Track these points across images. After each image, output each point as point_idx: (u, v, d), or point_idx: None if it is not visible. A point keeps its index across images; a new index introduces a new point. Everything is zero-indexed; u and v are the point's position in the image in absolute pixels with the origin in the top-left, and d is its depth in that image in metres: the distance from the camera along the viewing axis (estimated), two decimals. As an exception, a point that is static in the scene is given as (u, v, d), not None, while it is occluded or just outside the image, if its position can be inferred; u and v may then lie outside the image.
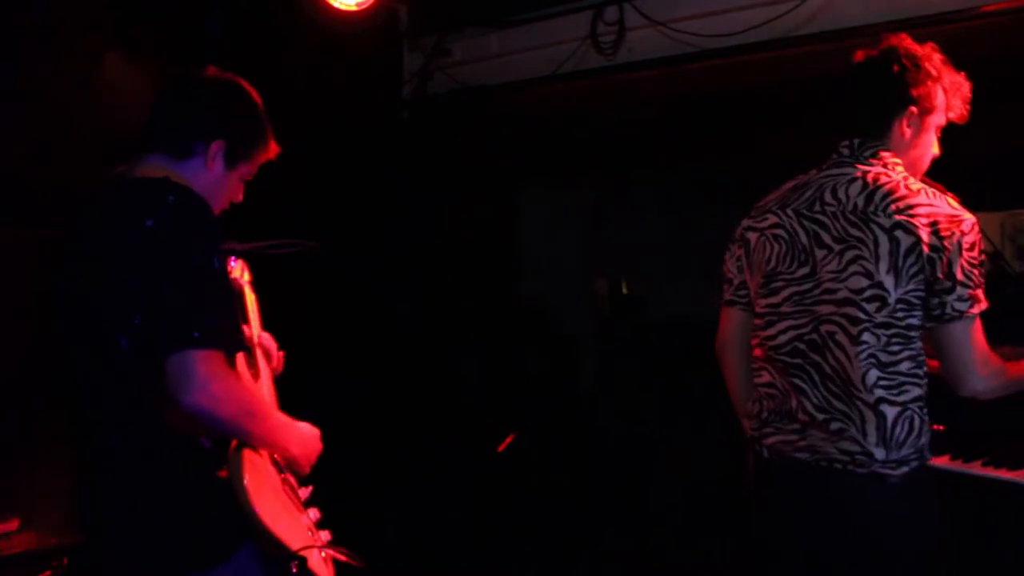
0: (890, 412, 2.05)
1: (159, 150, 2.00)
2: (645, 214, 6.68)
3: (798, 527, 2.21)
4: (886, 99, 2.20)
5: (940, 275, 2.01)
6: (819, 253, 2.14)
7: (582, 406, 6.06)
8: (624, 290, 6.73)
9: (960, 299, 2.02)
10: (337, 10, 3.76)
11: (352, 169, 4.39)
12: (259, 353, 2.29)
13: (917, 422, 2.08)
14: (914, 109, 2.19)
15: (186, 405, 1.72)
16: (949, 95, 2.23)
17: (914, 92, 2.17)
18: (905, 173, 2.16)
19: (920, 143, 2.23)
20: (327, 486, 2.18)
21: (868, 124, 2.22)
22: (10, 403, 3.09)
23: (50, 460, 2.94)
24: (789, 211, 2.22)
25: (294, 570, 1.86)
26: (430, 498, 4.58)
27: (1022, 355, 2.36)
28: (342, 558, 2.00)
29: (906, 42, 2.21)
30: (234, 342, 1.88)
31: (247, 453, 1.87)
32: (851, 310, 2.08)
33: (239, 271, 2.40)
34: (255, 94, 2.11)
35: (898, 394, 2.07)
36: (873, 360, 2.06)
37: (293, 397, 2.32)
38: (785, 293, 2.20)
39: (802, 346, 2.16)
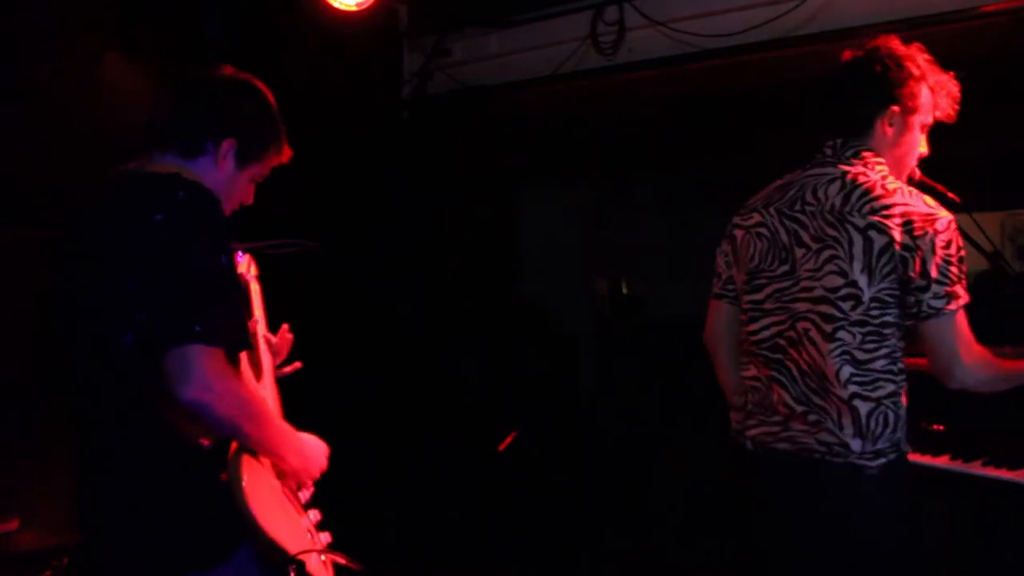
0: (864, 407, 2.09)
1: (170, 147, 1.99)
2: (645, 214, 6.69)
3: (781, 517, 2.25)
4: (867, 99, 2.23)
5: (914, 274, 2.04)
6: (798, 252, 2.19)
7: (582, 406, 6.06)
8: (624, 290, 6.73)
9: (936, 296, 2.04)
10: (337, 10, 3.76)
11: (352, 169, 4.39)
12: (263, 350, 2.28)
13: (892, 417, 2.12)
14: (896, 108, 2.21)
15: (183, 399, 1.72)
16: (935, 94, 2.25)
17: (896, 92, 2.20)
18: (885, 172, 2.19)
19: (903, 142, 2.25)
20: (327, 486, 2.18)
21: (851, 124, 2.25)
22: (10, 403, 3.09)
23: (50, 460, 2.94)
24: (772, 210, 2.27)
25: (292, 574, 1.86)
26: (430, 498, 4.58)
27: (1022, 355, 2.36)
28: (342, 561, 1.99)
29: (890, 43, 2.23)
30: (238, 341, 1.87)
31: (246, 455, 1.86)
32: (826, 308, 2.12)
33: (245, 265, 2.40)
34: (270, 95, 2.10)
35: (872, 390, 2.10)
36: (847, 357, 2.10)
37: (293, 397, 2.31)
38: (768, 290, 2.25)
39: (782, 342, 2.21)
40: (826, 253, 2.13)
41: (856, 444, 2.09)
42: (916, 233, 2.04)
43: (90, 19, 3.44)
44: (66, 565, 2.95)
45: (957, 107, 2.27)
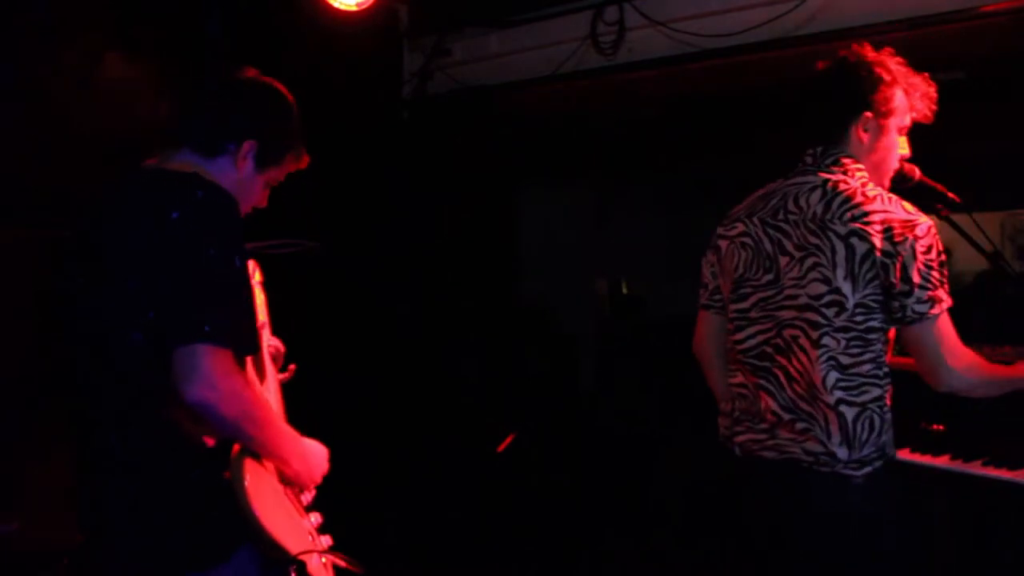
0: (850, 412, 2.11)
1: (189, 145, 1.99)
2: (645, 214, 6.68)
3: (771, 523, 2.26)
4: (840, 107, 2.25)
5: (896, 279, 2.06)
6: (782, 260, 2.21)
7: (582, 406, 6.06)
8: (624, 290, 6.73)
9: (919, 301, 2.06)
10: (337, 10, 3.76)
11: (352, 169, 4.38)
12: (266, 355, 2.28)
13: (877, 421, 2.13)
14: (869, 114, 2.23)
15: (187, 398, 1.71)
16: (909, 96, 2.26)
17: (868, 98, 2.22)
18: (865, 179, 2.21)
19: (880, 147, 2.26)
20: (327, 486, 2.18)
21: (827, 131, 2.27)
22: (10, 403, 3.09)
23: (50, 460, 2.94)
24: (755, 219, 2.29)
25: (293, 575, 1.86)
26: (430, 498, 4.58)
27: (1022, 355, 2.37)
28: (342, 563, 1.99)
29: (860, 49, 2.26)
30: (247, 343, 1.86)
31: (249, 455, 1.86)
32: (811, 315, 2.14)
33: (250, 271, 2.39)
34: (292, 100, 2.11)
35: (858, 395, 2.12)
36: (833, 363, 2.12)
37: (293, 398, 2.31)
38: (753, 299, 2.27)
39: (769, 350, 2.23)
40: (809, 261, 2.15)
41: (842, 453, 2.10)
42: (896, 239, 2.06)
43: (90, 19, 3.44)
44: (66, 565, 2.95)
45: (935, 107, 2.29)
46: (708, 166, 5.59)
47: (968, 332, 2.16)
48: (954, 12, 3.21)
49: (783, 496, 2.21)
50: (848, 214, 2.11)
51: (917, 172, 2.39)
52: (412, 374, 4.69)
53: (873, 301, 2.09)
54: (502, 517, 4.68)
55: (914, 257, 2.05)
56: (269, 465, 1.97)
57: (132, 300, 1.80)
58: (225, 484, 1.81)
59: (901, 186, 2.32)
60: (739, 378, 2.33)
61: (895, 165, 2.32)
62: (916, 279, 2.05)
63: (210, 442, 1.86)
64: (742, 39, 3.63)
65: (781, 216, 2.23)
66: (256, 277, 2.40)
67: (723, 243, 2.37)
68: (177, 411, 1.79)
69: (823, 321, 2.11)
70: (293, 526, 1.94)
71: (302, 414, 2.17)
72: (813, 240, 2.14)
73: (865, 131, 2.24)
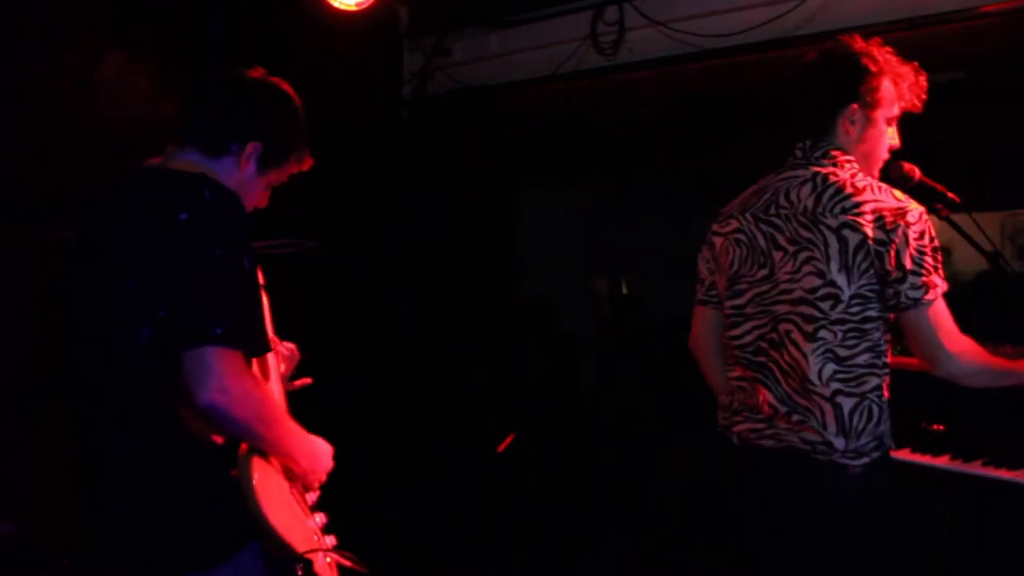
0: (847, 403, 2.12)
1: (193, 144, 1.99)
2: (645, 214, 6.67)
3: (768, 512, 2.26)
4: (826, 99, 2.27)
5: (890, 267, 2.07)
6: (776, 255, 2.22)
7: (582, 406, 6.06)
8: (624, 290, 6.73)
9: (913, 287, 2.07)
10: (337, 10, 3.76)
11: (352, 169, 4.38)
12: (269, 357, 2.28)
13: (876, 411, 2.14)
14: (855, 106, 2.23)
15: (199, 402, 1.71)
16: (898, 87, 2.26)
17: (854, 89, 2.23)
18: (855, 170, 2.21)
19: (868, 137, 2.27)
20: (327, 486, 2.18)
21: (815, 125, 2.28)
22: (10, 403, 3.09)
23: (50, 460, 2.94)
24: (748, 215, 2.30)
25: (299, 573, 1.86)
26: (430, 498, 4.58)
27: (1022, 355, 2.36)
28: (347, 563, 1.99)
29: (846, 41, 2.27)
30: (257, 344, 1.86)
31: (257, 454, 1.87)
32: (806, 309, 2.15)
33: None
34: (299, 102, 2.10)
35: (856, 386, 2.13)
36: (830, 355, 2.12)
37: (294, 397, 2.31)
38: (748, 295, 2.29)
39: (764, 344, 2.24)
40: (803, 255, 2.16)
41: (839, 443, 2.11)
42: (888, 227, 2.07)
43: (90, 19, 3.43)
44: (66, 565, 2.95)
45: (924, 96, 2.30)
46: (708, 166, 5.58)
47: (968, 332, 2.16)
48: (954, 12, 3.21)
49: (781, 484, 2.21)
50: (839, 206, 2.12)
51: (917, 172, 2.39)
52: (412, 374, 4.69)
53: (869, 291, 2.10)
54: (502, 517, 4.68)
55: (907, 243, 2.06)
56: (275, 464, 1.97)
57: (133, 300, 1.80)
58: (229, 482, 1.81)
59: (901, 187, 2.32)
60: (737, 371, 2.34)
61: (884, 156, 2.33)
62: (909, 265, 2.06)
63: (211, 441, 1.86)
64: (742, 39, 3.63)
65: (773, 211, 2.24)
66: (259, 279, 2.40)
67: (718, 239, 2.38)
68: (177, 411, 1.79)
69: (819, 314, 2.12)
70: (299, 524, 1.95)
71: (302, 414, 2.17)
72: (805, 234, 2.15)
73: (852, 123, 2.25)
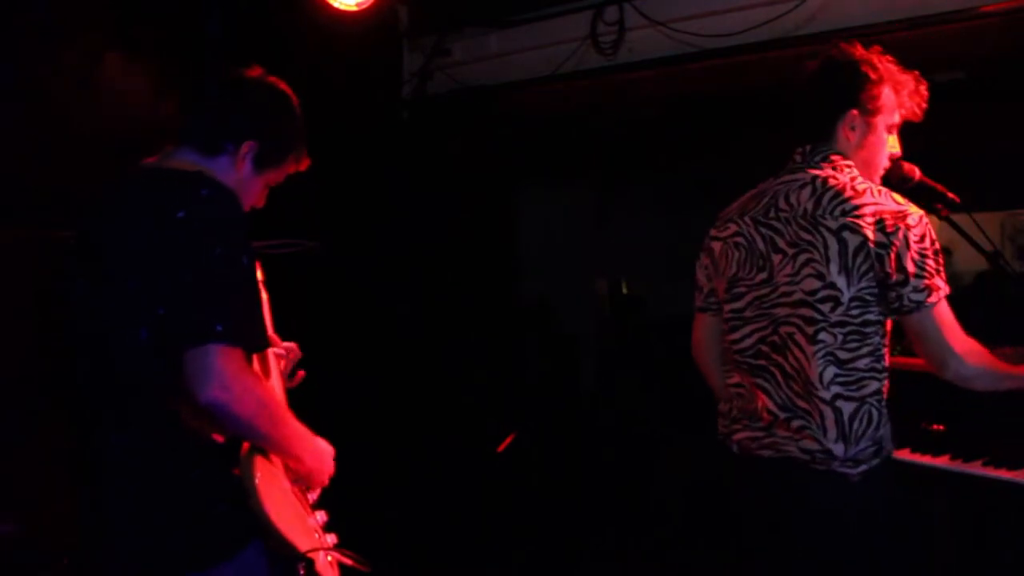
0: (847, 407, 2.11)
1: (190, 143, 1.99)
2: (645, 214, 6.68)
3: (767, 521, 2.26)
4: (826, 105, 2.27)
5: (890, 270, 2.07)
6: (775, 258, 2.22)
7: (582, 406, 6.06)
8: (624, 290, 6.74)
9: (915, 290, 2.06)
10: (337, 10, 3.76)
11: (352, 169, 4.38)
12: (270, 355, 2.28)
13: (875, 415, 2.13)
14: (855, 112, 2.24)
15: (201, 400, 1.71)
16: (898, 94, 2.27)
17: (854, 96, 2.23)
18: (854, 174, 2.21)
19: (868, 144, 2.27)
20: (328, 486, 2.18)
21: (815, 130, 2.29)
22: (10, 403, 3.09)
23: (50, 460, 2.94)
24: (747, 219, 2.30)
25: (301, 572, 1.86)
26: (430, 498, 4.58)
27: (1023, 355, 2.36)
28: (348, 562, 2.00)
29: (847, 48, 2.27)
30: (256, 341, 1.86)
31: (259, 452, 1.87)
32: (806, 311, 2.14)
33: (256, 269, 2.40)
34: (296, 101, 2.10)
35: (856, 389, 2.12)
36: (831, 358, 2.12)
37: (294, 397, 2.31)
38: (748, 298, 2.28)
39: (765, 348, 2.24)
40: (802, 257, 2.15)
41: (839, 449, 2.10)
42: (889, 230, 2.07)
43: (90, 19, 3.43)
44: (66, 565, 2.95)
45: (924, 105, 2.30)
46: (708, 166, 5.59)
47: (968, 332, 2.16)
48: (954, 12, 3.21)
49: (780, 494, 2.21)
50: (839, 209, 2.12)
51: (917, 172, 2.39)
52: (412, 374, 4.69)
53: (869, 294, 2.10)
54: (502, 517, 4.68)
55: (907, 246, 2.06)
56: (277, 463, 1.97)
57: (133, 299, 1.80)
58: (230, 482, 1.81)
59: (901, 187, 2.32)
60: (736, 378, 2.33)
61: (885, 163, 2.33)
62: (911, 268, 2.06)
63: (212, 441, 1.86)
64: (742, 39, 3.63)
65: (772, 214, 2.24)
66: (258, 276, 2.40)
67: (716, 244, 2.38)
68: (177, 411, 1.79)
69: (819, 317, 2.12)
70: (301, 523, 1.95)
71: (303, 414, 2.17)
72: (805, 236, 2.15)
73: (852, 129, 2.25)
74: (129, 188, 1.92)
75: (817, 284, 2.12)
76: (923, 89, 2.29)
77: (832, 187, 2.16)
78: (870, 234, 2.07)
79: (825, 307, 2.11)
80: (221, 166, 1.99)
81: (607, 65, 4.14)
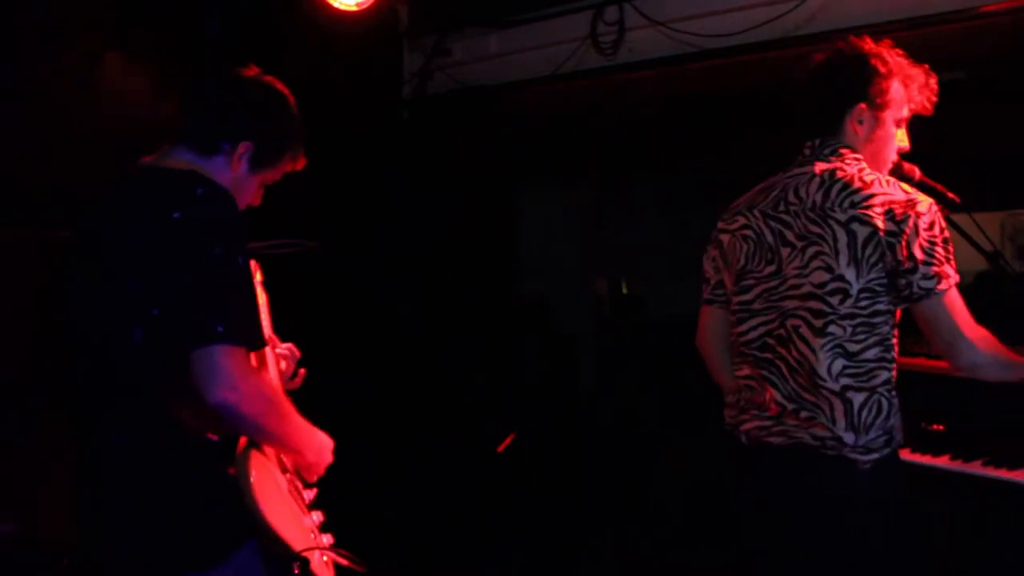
0: (857, 398, 2.11)
1: (186, 142, 1.99)
2: (645, 214, 6.67)
3: (776, 510, 2.26)
4: (834, 98, 2.27)
5: (901, 258, 2.07)
6: (784, 251, 2.22)
7: (582, 406, 6.06)
8: (624, 290, 6.73)
9: (925, 277, 2.06)
10: (337, 10, 3.76)
11: (352, 169, 4.38)
12: (268, 354, 2.28)
13: (885, 404, 2.14)
14: (863, 106, 2.24)
15: (210, 401, 1.72)
16: (907, 88, 2.27)
17: (862, 89, 2.23)
18: (862, 166, 2.22)
19: (876, 138, 2.28)
20: (327, 486, 2.18)
21: (823, 124, 2.29)
22: (10, 403, 3.09)
23: (50, 460, 2.94)
24: (756, 212, 2.30)
25: (296, 571, 1.86)
26: (430, 498, 4.58)
27: (1022, 355, 2.36)
28: (344, 562, 2.00)
29: (856, 42, 2.27)
30: (256, 339, 1.87)
31: (254, 453, 1.87)
32: (815, 304, 2.14)
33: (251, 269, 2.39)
34: (292, 101, 2.10)
35: (866, 380, 2.12)
36: (840, 350, 2.12)
37: (294, 397, 2.31)
38: (756, 291, 2.28)
39: (771, 341, 2.24)
40: (811, 250, 2.16)
41: (849, 437, 2.10)
42: (899, 218, 2.07)
43: (90, 19, 3.43)
44: (66, 565, 2.95)
45: (934, 99, 2.30)
46: (708, 166, 5.58)
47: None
48: (954, 12, 3.21)
49: (790, 479, 2.20)
50: (847, 200, 2.12)
51: (917, 172, 2.39)
52: (412, 374, 4.69)
53: (878, 285, 2.10)
54: (502, 517, 4.67)
55: (917, 234, 2.06)
56: (273, 462, 1.97)
57: (132, 300, 1.80)
58: (228, 481, 1.81)
59: (901, 186, 2.32)
60: (744, 370, 2.33)
61: (893, 157, 2.33)
62: (920, 255, 2.06)
63: (211, 441, 1.86)
64: (742, 39, 3.63)
65: (782, 207, 2.24)
66: (256, 277, 2.41)
67: (725, 237, 2.38)
68: (177, 410, 1.79)
69: (828, 309, 2.12)
70: (296, 523, 1.95)
71: (303, 414, 2.17)
72: (814, 229, 2.15)
73: (860, 123, 2.25)
74: (129, 188, 1.92)
75: (826, 276, 2.12)
76: (933, 83, 2.29)
77: (840, 179, 2.16)
78: (880, 224, 2.07)
79: (834, 299, 2.11)
80: (217, 165, 1.99)
81: (607, 65, 4.14)
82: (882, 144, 2.28)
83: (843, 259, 2.10)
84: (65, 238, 1.96)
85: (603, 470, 5.27)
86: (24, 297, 3.12)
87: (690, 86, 4.25)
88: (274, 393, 1.88)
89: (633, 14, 3.98)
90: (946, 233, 2.11)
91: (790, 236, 2.21)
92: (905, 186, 2.16)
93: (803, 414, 2.16)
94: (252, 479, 1.80)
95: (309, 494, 2.14)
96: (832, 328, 2.12)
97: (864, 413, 2.11)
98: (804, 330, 2.16)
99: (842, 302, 2.11)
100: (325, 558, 2.00)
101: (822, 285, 2.13)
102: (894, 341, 2.17)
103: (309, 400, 2.35)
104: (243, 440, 1.87)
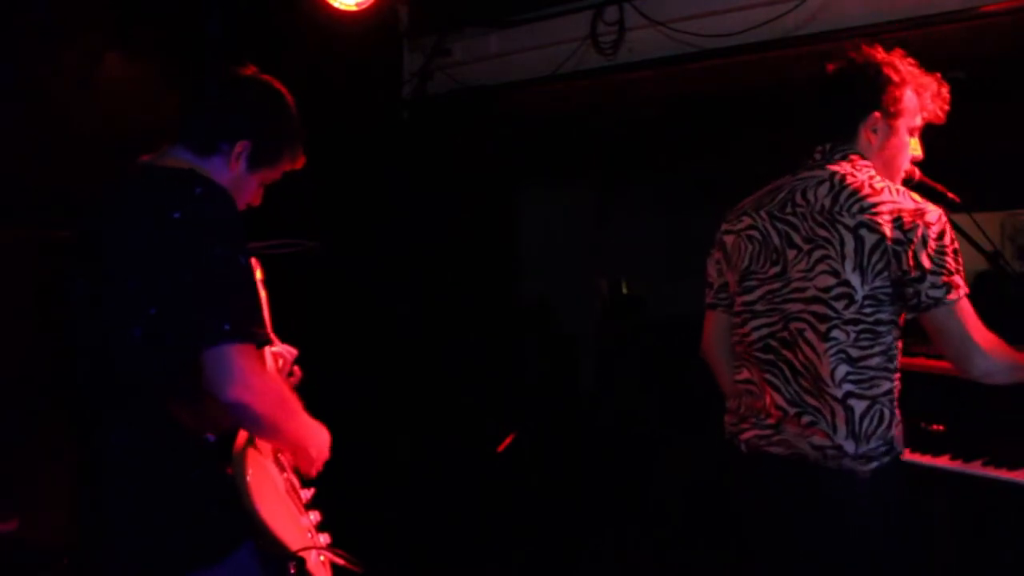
0: (859, 406, 2.11)
1: (184, 142, 1.99)
2: (645, 214, 6.68)
3: (776, 519, 2.26)
4: (849, 106, 2.27)
5: (908, 267, 2.06)
6: (790, 253, 2.21)
7: (582, 406, 6.06)
8: (624, 290, 6.73)
9: (933, 287, 2.06)
10: (337, 10, 3.76)
11: (352, 169, 4.38)
12: (267, 352, 2.28)
13: (887, 415, 2.13)
14: (877, 114, 2.24)
15: (223, 399, 1.72)
16: (920, 97, 2.27)
17: (876, 98, 2.23)
18: (872, 173, 2.21)
19: (889, 146, 2.28)
20: (327, 486, 2.18)
21: (836, 130, 2.29)
22: (10, 403, 3.09)
23: (50, 460, 2.94)
24: (763, 213, 2.30)
25: (292, 571, 1.86)
26: (430, 498, 4.58)
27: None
28: (340, 562, 2.00)
29: (869, 50, 2.27)
30: (261, 337, 1.86)
31: (251, 452, 1.87)
32: (819, 308, 2.14)
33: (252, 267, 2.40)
34: (291, 100, 2.10)
35: (868, 388, 2.12)
36: (843, 356, 2.11)
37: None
38: (759, 292, 2.28)
39: (774, 343, 2.23)
40: (817, 253, 2.15)
41: (849, 446, 2.10)
42: (907, 227, 2.06)
43: (90, 19, 3.44)
44: (66, 565, 2.95)
45: (947, 107, 2.30)
46: (708, 166, 5.59)
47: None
48: (955, 12, 3.21)
49: (790, 490, 2.20)
50: (856, 206, 2.11)
51: (917, 172, 2.39)
52: (412, 374, 4.69)
53: (883, 293, 2.09)
54: (502, 517, 4.67)
55: (925, 244, 2.06)
56: (270, 461, 1.97)
57: (132, 299, 1.80)
58: (226, 481, 1.81)
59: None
60: (744, 373, 2.33)
61: (906, 166, 2.33)
62: (928, 264, 2.05)
63: (215, 437, 1.86)
64: (742, 39, 3.63)
65: (789, 209, 2.24)
66: (256, 275, 2.41)
67: (729, 238, 2.37)
68: (177, 410, 1.79)
69: (832, 314, 2.11)
70: (293, 522, 1.95)
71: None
72: (822, 233, 2.15)
73: (874, 132, 2.25)
74: (128, 188, 1.93)
75: (831, 281, 2.12)
76: (945, 91, 2.29)
77: (850, 185, 2.15)
78: (888, 231, 2.06)
79: (839, 304, 2.11)
80: (215, 165, 1.99)
81: (607, 65, 4.14)
82: (895, 152, 2.28)
83: (849, 264, 2.10)
84: (65, 238, 1.96)
85: (603, 470, 5.27)
86: (24, 297, 3.13)
87: (690, 86, 4.25)
88: (285, 390, 1.90)
89: (633, 14, 3.98)
90: (956, 244, 2.11)
91: (797, 239, 2.20)
92: (915, 195, 2.15)
93: (804, 419, 2.15)
94: (249, 478, 1.80)
95: (307, 493, 2.14)
96: (835, 333, 2.11)
97: (865, 422, 2.10)
98: (809, 333, 2.15)
99: (847, 307, 2.10)
100: (322, 558, 2.00)
101: (827, 289, 2.12)
102: (898, 353, 2.17)
103: (309, 400, 2.35)
104: (240, 440, 1.87)
